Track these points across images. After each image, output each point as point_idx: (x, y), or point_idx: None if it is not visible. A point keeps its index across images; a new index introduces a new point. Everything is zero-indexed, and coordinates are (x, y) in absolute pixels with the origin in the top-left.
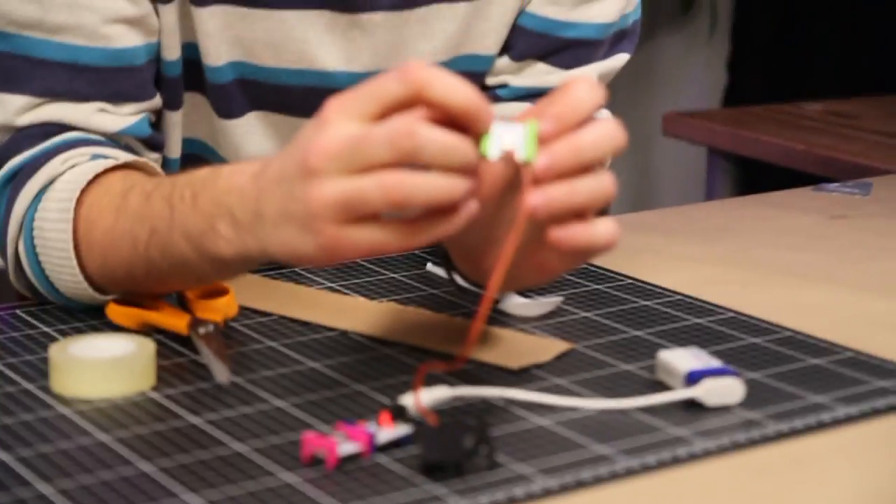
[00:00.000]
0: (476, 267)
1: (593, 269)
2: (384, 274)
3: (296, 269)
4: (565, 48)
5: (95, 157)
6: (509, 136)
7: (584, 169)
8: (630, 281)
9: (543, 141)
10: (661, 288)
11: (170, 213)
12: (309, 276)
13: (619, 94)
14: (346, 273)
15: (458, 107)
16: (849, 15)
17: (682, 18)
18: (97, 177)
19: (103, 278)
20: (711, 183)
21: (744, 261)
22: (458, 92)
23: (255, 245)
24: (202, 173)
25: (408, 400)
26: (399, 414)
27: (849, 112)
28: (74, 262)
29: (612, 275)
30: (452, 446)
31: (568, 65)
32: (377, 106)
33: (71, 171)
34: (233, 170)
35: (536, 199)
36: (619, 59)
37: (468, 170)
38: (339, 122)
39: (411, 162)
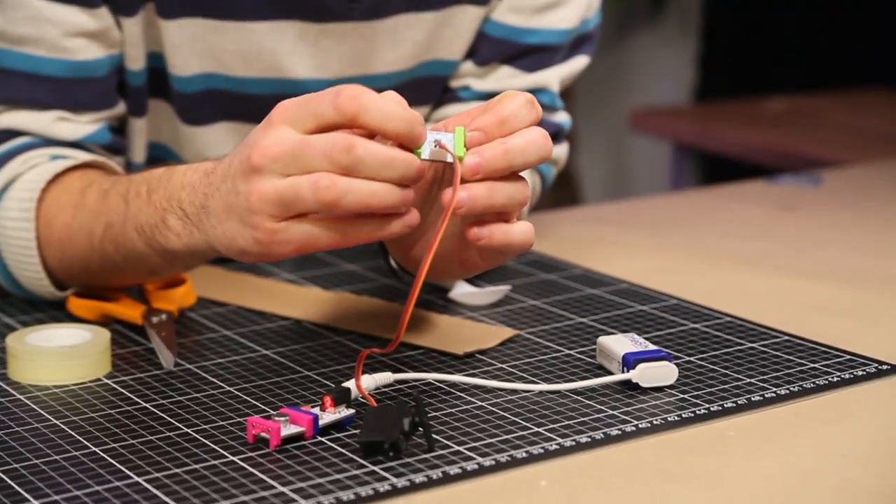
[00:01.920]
0: (405, 255)
1: (545, 259)
2: (341, 266)
3: (256, 263)
4: (527, 53)
5: (55, 157)
6: (439, 138)
7: (514, 171)
8: (580, 271)
9: (472, 144)
10: (609, 277)
11: (125, 208)
12: (269, 268)
13: (592, 90)
14: (304, 264)
15: (392, 133)
16: (816, 11)
17: (652, 16)
18: (57, 176)
19: (62, 272)
20: (677, 178)
21: (693, 250)
22: (392, 120)
23: (201, 238)
24: (159, 171)
25: (351, 384)
26: (341, 397)
27: (812, 107)
28: (37, 258)
29: (563, 265)
30: (389, 427)
31: (530, 68)
32: (314, 123)
33: (31, 170)
34: (188, 168)
35: (460, 195)
36: (580, 62)
37: (407, 180)
38: (283, 128)
39: (350, 174)
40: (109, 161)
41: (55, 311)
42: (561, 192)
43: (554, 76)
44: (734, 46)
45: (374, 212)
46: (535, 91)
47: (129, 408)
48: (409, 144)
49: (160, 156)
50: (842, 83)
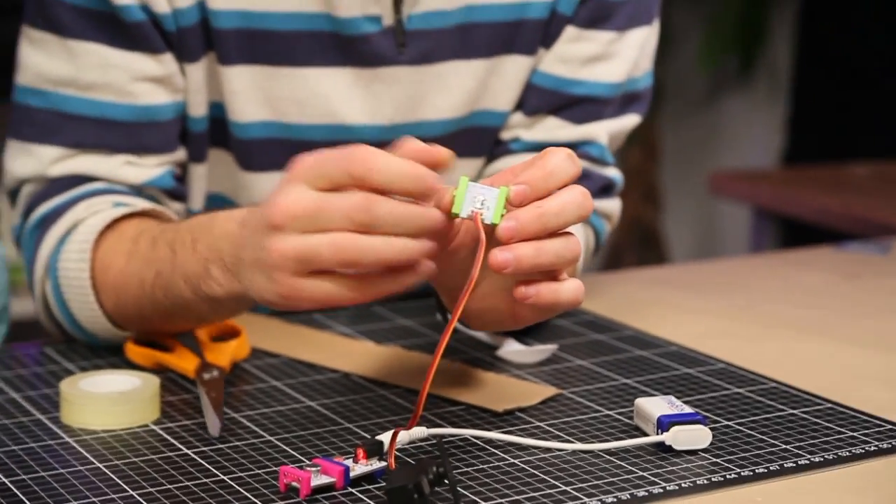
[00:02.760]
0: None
1: (599, 319)
2: (396, 321)
3: (312, 314)
4: (575, 104)
5: (117, 204)
6: (479, 196)
7: (551, 233)
8: (632, 332)
9: (512, 205)
10: (660, 339)
11: (172, 257)
12: (324, 321)
13: (681, 153)
14: (360, 318)
15: (401, 191)
16: None
17: (742, 79)
18: (115, 222)
19: (118, 316)
20: (757, 241)
21: (749, 315)
22: (400, 178)
23: (241, 287)
24: (202, 219)
25: (384, 437)
26: (374, 450)
27: (893, 172)
28: (93, 298)
29: (615, 325)
30: (413, 474)
31: (578, 119)
32: (328, 184)
33: (93, 216)
34: (227, 216)
35: (505, 256)
36: (630, 120)
37: (425, 233)
38: (301, 186)
39: (368, 231)
40: (167, 210)
41: (114, 358)
42: (646, 252)
43: (602, 130)
44: (823, 110)
45: (391, 265)
46: (583, 143)
47: (171, 454)
48: (421, 200)
49: (218, 206)
50: None
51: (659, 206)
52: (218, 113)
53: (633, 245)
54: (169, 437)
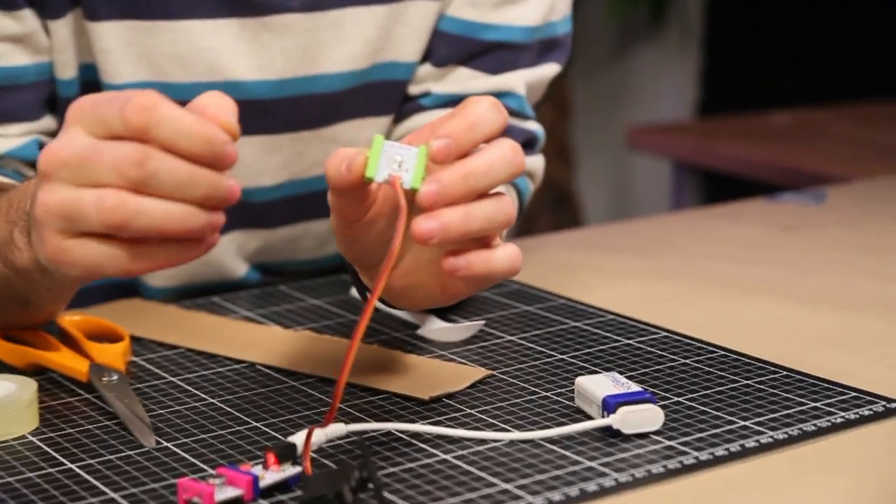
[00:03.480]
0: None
1: (526, 289)
2: (306, 301)
3: (211, 299)
4: (487, 51)
5: None
6: (396, 157)
7: (479, 194)
8: (562, 301)
9: (435, 162)
10: (593, 307)
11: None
12: (226, 305)
13: (592, 108)
14: (264, 301)
15: (187, 153)
16: (820, 23)
17: (652, 31)
18: None
19: None
20: (677, 196)
21: (685, 276)
22: (189, 137)
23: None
24: (24, 184)
25: (297, 438)
26: (286, 454)
27: (816, 121)
28: None
29: (543, 295)
30: (334, 481)
31: (492, 69)
32: (105, 131)
33: None
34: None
35: (430, 225)
36: (549, 69)
37: (213, 202)
38: (76, 129)
39: (142, 190)
40: (9, 179)
41: None
42: (561, 213)
43: (520, 80)
44: (736, 60)
45: (169, 236)
46: (500, 95)
47: (52, 469)
48: (211, 166)
49: None
50: (847, 96)
51: (572, 165)
52: (89, 75)
53: (547, 207)
54: (49, 450)
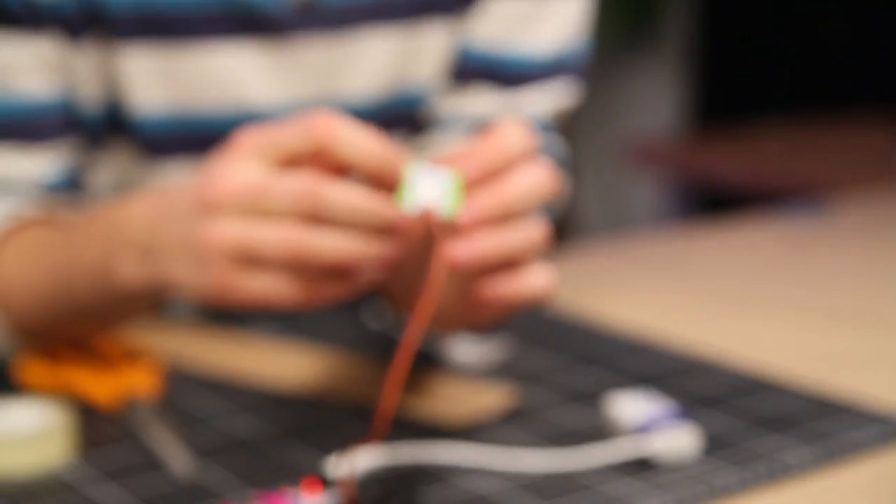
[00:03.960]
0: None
1: (545, 308)
2: (333, 320)
3: (233, 316)
4: (506, 74)
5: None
6: (430, 184)
7: (513, 218)
8: (581, 319)
9: (467, 188)
10: (614, 327)
11: (69, 249)
12: (248, 321)
13: (579, 120)
14: (289, 320)
15: (365, 165)
16: (809, 32)
17: (637, 43)
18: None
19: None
20: (675, 207)
21: (700, 293)
22: (365, 150)
23: (153, 278)
24: (97, 209)
25: (333, 467)
26: (321, 483)
27: (809, 130)
28: None
29: (562, 313)
30: None
31: (510, 92)
32: (282, 154)
33: None
34: (138, 199)
35: (462, 252)
36: (569, 94)
37: (380, 230)
38: (246, 162)
39: (317, 220)
40: (60, 214)
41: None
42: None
43: (538, 102)
44: (724, 71)
45: (345, 265)
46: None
47: (88, 500)
48: (385, 180)
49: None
50: (835, 104)
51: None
52: (113, 95)
53: None
54: (85, 481)
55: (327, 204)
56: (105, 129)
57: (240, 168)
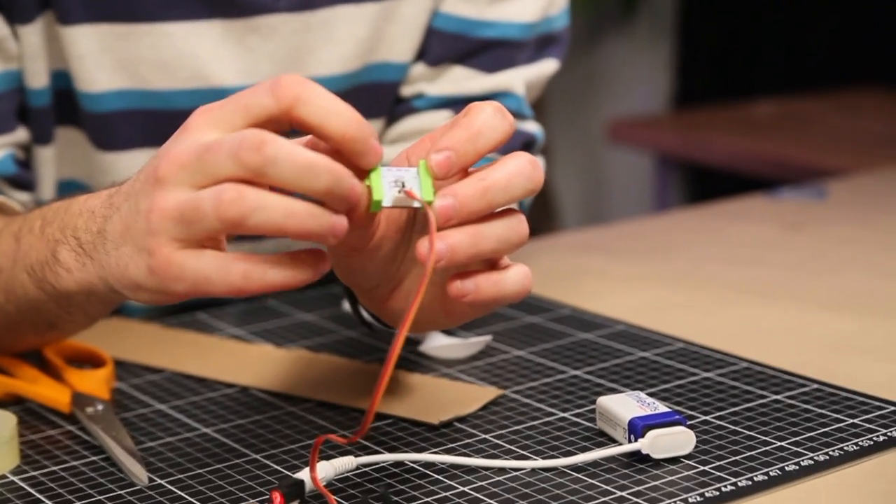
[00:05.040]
0: (381, 307)
1: (529, 298)
2: (296, 316)
3: (196, 316)
4: (484, 49)
5: None
6: (400, 179)
7: (492, 210)
8: (569, 311)
9: (436, 178)
10: (602, 317)
11: (15, 248)
12: (210, 321)
13: (564, 101)
14: (252, 317)
15: (336, 132)
16: (796, 8)
17: (623, 21)
18: None
19: None
20: (662, 193)
21: (694, 281)
22: (338, 115)
23: (95, 272)
24: (59, 203)
25: (304, 475)
26: (293, 492)
27: (801, 110)
28: None
29: (548, 304)
30: None
31: (489, 68)
32: (244, 119)
33: None
34: (91, 194)
35: (437, 247)
36: (548, 66)
37: (334, 198)
38: (200, 132)
39: (261, 180)
40: (10, 200)
41: None
42: (535, 213)
43: (518, 78)
44: (711, 49)
45: (289, 236)
46: (497, 95)
47: None
48: (358, 155)
49: (74, 194)
50: (829, 84)
51: (546, 159)
52: (63, 83)
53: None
54: (33, 491)
55: (271, 155)
56: (54, 118)
57: (191, 138)
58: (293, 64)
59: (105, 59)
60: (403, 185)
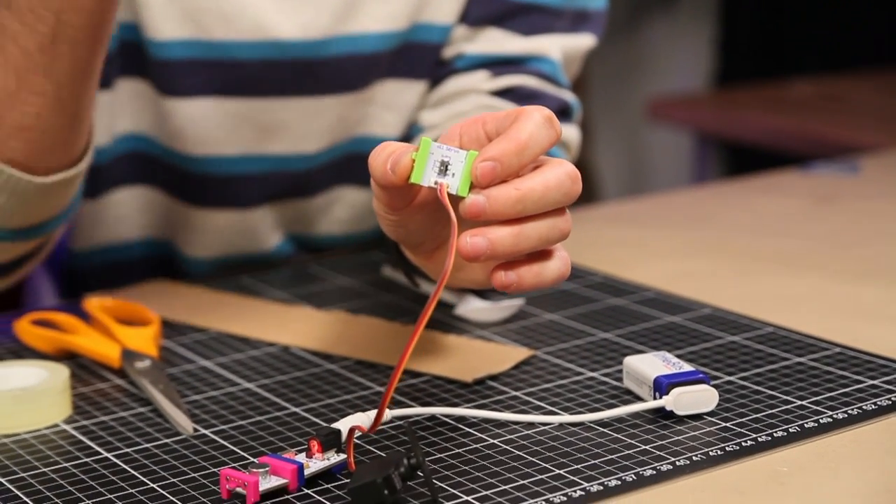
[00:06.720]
0: (425, 263)
1: None
2: (337, 280)
3: (242, 278)
4: (521, 12)
5: None
6: (447, 159)
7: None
8: (601, 278)
9: (478, 186)
10: (633, 284)
11: None
12: (254, 284)
13: (607, 81)
14: (295, 281)
15: None
16: None
17: (667, 1)
18: None
19: None
20: (700, 169)
21: (725, 251)
22: None
23: None
24: None
25: (341, 424)
26: (330, 441)
27: (840, 89)
28: None
29: (581, 271)
30: (381, 468)
31: (526, 31)
32: None
33: None
34: None
35: (477, 242)
36: (585, 40)
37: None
38: None
39: None
40: None
41: (8, 342)
42: None
43: (555, 45)
44: (751, 29)
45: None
46: (534, 58)
47: (87, 459)
48: None
49: (140, 148)
50: (868, 63)
51: (588, 138)
52: (130, 35)
53: None
54: (84, 439)
55: None
56: (119, 67)
57: None
58: (347, 18)
59: (171, 9)
60: (447, 169)
